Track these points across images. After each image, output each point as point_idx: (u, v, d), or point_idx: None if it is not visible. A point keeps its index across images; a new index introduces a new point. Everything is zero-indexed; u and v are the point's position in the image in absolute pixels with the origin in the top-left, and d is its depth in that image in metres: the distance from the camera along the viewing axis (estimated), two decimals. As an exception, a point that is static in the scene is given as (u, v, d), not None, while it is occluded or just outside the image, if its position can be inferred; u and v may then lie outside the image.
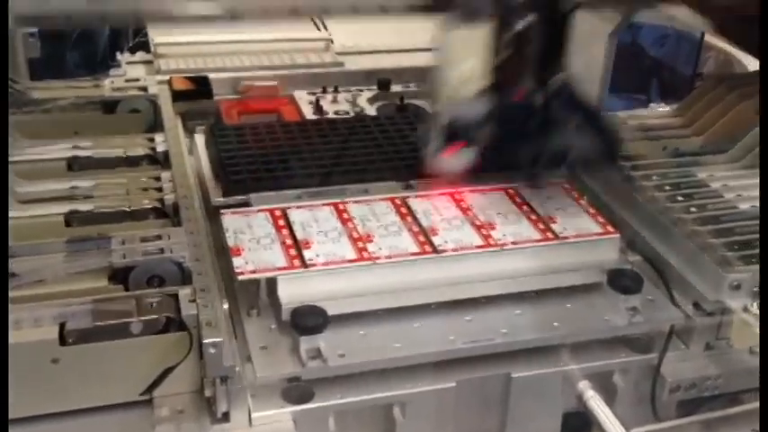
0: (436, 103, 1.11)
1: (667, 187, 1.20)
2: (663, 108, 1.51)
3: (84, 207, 1.10)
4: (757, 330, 0.94)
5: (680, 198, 1.17)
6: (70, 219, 1.08)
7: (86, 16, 1.13)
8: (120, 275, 0.97)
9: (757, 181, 1.22)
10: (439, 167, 1.10)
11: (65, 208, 1.10)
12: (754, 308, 0.95)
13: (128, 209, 1.11)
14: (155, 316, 0.89)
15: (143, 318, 0.88)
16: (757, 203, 1.16)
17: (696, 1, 1.42)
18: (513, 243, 1.03)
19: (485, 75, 1.08)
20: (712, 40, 1.98)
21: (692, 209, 1.14)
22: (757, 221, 1.11)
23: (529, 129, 1.09)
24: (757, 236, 1.08)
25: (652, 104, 1.64)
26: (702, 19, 1.53)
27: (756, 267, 1.01)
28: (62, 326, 0.86)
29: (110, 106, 1.41)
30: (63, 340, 0.86)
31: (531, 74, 1.09)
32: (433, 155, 1.10)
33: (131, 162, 1.24)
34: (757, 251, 1.05)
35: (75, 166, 1.23)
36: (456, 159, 1.09)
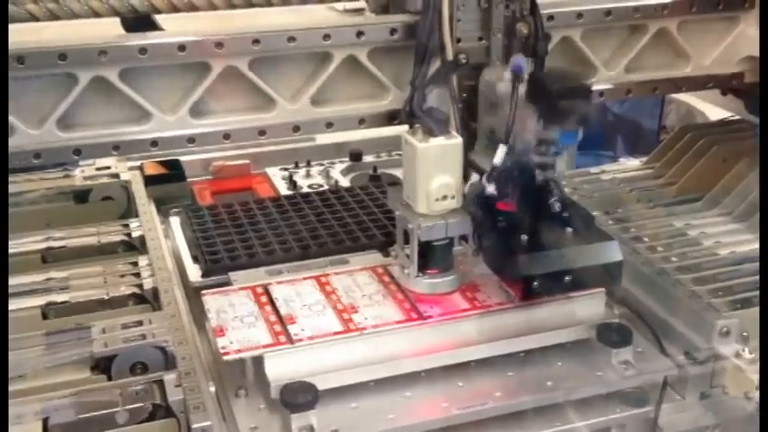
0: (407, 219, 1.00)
1: (646, 239, 1.20)
2: (632, 161, 1.53)
3: (60, 298, 1.08)
4: (752, 376, 0.94)
5: (660, 249, 1.18)
6: (47, 311, 1.06)
7: (60, 150, 1.03)
8: (102, 365, 0.95)
9: (734, 227, 1.24)
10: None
11: (41, 300, 1.08)
12: (746, 353, 0.94)
13: (106, 297, 1.09)
14: (140, 404, 0.87)
15: (128, 407, 0.86)
16: (736, 249, 1.17)
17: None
18: (499, 304, 1.02)
19: (459, 190, 0.99)
20: (672, 93, 2.03)
21: (673, 258, 1.15)
22: (737, 267, 1.12)
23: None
24: (740, 281, 1.09)
25: (621, 159, 1.66)
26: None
27: (743, 312, 1.01)
28: (45, 421, 0.84)
29: (81, 195, 1.39)
30: (47, 436, 0.83)
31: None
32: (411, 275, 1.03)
33: (107, 250, 1.23)
34: (741, 296, 1.05)
35: (49, 257, 1.21)
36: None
